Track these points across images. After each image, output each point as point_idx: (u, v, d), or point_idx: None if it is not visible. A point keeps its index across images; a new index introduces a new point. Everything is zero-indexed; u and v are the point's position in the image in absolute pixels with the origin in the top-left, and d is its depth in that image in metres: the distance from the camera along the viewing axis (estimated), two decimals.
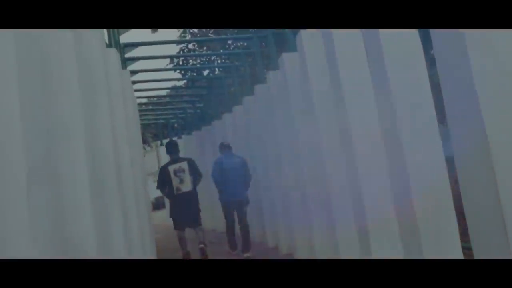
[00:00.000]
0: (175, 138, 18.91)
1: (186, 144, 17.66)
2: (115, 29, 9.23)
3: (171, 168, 7.91)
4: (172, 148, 8.23)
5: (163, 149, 19.00)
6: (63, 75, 4.07)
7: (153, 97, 18.54)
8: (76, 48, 4.34)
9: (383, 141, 5.38)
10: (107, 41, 8.41)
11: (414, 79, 4.58)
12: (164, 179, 8.02)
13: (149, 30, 13.62)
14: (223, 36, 16.20)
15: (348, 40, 5.69)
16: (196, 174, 8.09)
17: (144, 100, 21.25)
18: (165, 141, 20.30)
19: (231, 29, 16.95)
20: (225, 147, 9.30)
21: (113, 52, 6.63)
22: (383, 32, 4.60)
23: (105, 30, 8.19)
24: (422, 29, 4.00)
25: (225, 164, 8.68)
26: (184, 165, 7.94)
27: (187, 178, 7.80)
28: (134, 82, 13.11)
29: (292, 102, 7.77)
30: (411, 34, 4.58)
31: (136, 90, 14.86)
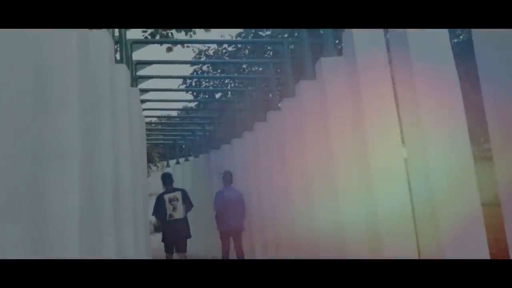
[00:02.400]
0: (182, 159, 18.52)
1: (193, 167, 17.26)
2: (128, 44, 8.96)
3: (166, 197, 8.73)
4: (167, 179, 9.18)
5: (169, 170, 18.54)
6: (62, 89, 3.70)
7: (163, 116, 18.26)
8: (81, 61, 3.99)
9: (407, 174, 4.99)
10: (118, 57, 8.14)
11: (446, 108, 4.19)
12: (159, 206, 8.74)
13: (164, 48, 13.39)
14: (238, 60, 15.98)
15: (373, 69, 5.34)
16: (188, 204, 8.80)
17: (153, 119, 21.00)
18: (171, 162, 19.94)
19: (247, 54, 16.74)
20: (227, 179, 10.19)
21: (123, 68, 6.30)
22: (414, 61, 4.25)
23: (117, 45, 7.93)
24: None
25: (225, 196, 9.46)
26: (178, 194, 8.75)
27: (180, 206, 8.56)
28: (144, 101, 12.84)
29: (307, 131, 7.38)
30: (445, 57, 4.23)
31: (146, 109, 14.60)
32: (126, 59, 8.96)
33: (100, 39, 5.15)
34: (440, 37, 4.30)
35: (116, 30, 8.79)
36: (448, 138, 4.11)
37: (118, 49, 8.20)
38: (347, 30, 5.67)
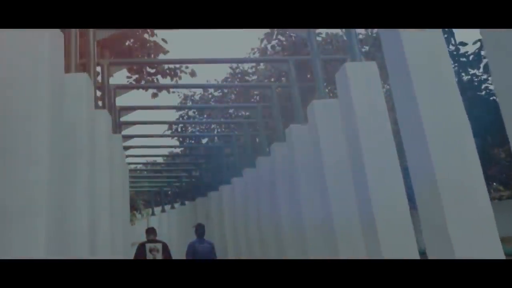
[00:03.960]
0: (168, 207, 17.88)
1: (179, 215, 16.62)
2: (111, 90, 8.64)
3: (148, 246, 8.93)
4: (150, 232, 9.32)
5: (153, 219, 17.81)
6: (30, 138, 3.28)
7: (148, 163, 17.76)
8: (54, 107, 3.60)
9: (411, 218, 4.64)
10: (101, 102, 7.79)
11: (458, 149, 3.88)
12: (140, 255, 8.81)
13: (149, 94, 13.16)
14: (225, 105, 15.75)
15: (370, 110, 5.06)
16: (167, 256, 8.88)
17: (138, 166, 20.45)
18: (156, 209, 19.23)
19: (233, 98, 16.55)
20: (199, 231, 10.21)
21: (104, 114, 5.92)
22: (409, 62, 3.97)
23: (97, 91, 7.60)
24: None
25: (196, 248, 9.63)
26: (159, 246, 8.92)
27: (159, 257, 8.71)
28: (128, 147, 12.40)
29: (299, 176, 7.01)
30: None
31: (130, 156, 14.12)
32: (109, 105, 8.61)
33: (77, 83, 4.79)
34: (435, 38, 4.14)
35: (99, 76, 8.49)
36: (450, 139, 3.86)
37: (104, 94, 7.86)
38: (341, 72, 5.43)
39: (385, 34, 4.43)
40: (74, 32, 5.34)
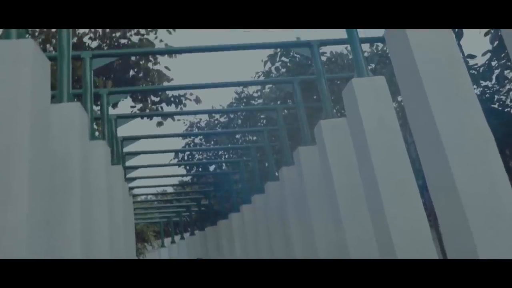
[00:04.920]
0: (178, 237, 17.46)
1: (189, 246, 16.20)
2: (112, 120, 8.41)
3: None
4: None
5: (164, 251, 17.37)
6: (7, 176, 2.99)
7: (156, 193, 17.45)
8: (37, 139, 3.32)
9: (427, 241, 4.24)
10: (101, 133, 7.55)
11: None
12: None
13: (154, 123, 12.95)
14: (231, 130, 15.52)
15: (380, 127, 4.73)
16: None
17: (145, 197, 20.15)
18: (166, 240, 18.82)
19: (240, 123, 16.30)
20: None
21: (101, 145, 5.64)
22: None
23: (98, 121, 7.37)
24: None
25: None
26: None
27: None
28: (133, 179, 12.11)
29: (310, 200, 6.64)
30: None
31: (137, 187, 13.83)
32: (110, 135, 8.36)
33: (69, 113, 4.53)
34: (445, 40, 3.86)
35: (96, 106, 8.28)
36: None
37: (104, 124, 7.62)
38: (348, 89, 5.12)
39: (393, 43, 4.13)
40: (67, 60, 5.12)
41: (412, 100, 3.95)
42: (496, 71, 9.93)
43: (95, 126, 10.37)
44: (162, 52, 7.45)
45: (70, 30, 5.32)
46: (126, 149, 10.19)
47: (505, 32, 2.94)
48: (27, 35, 3.65)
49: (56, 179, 4.13)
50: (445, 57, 3.83)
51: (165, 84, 13.43)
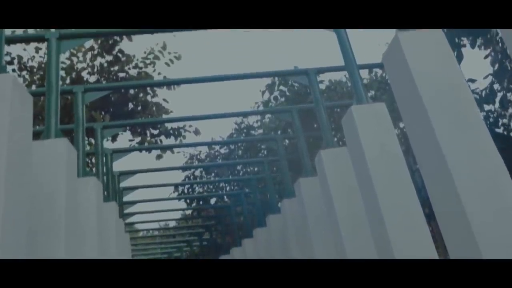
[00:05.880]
0: None
1: None
2: (107, 154, 8.21)
3: None
4: None
5: None
6: None
7: (157, 229, 17.06)
8: (16, 178, 3.10)
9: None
10: (97, 167, 7.33)
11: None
12: None
13: (153, 156, 12.75)
14: (232, 161, 15.28)
15: (382, 154, 4.50)
16: None
17: (150, 232, 19.76)
18: None
19: (240, 154, 16.08)
20: None
21: (91, 181, 5.40)
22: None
23: (91, 156, 7.17)
24: None
25: None
26: None
27: None
28: (131, 214, 11.81)
29: (312, 233, 6.33)
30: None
31: (135, 222, 13.51)
32: (106, 170, 8.14)
33: (56, 150, 4.32)
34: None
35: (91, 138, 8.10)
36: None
37: (98, 159, 7.41)
38: (347, 116, 4.91)
39: (392, 68, 3.95)
40: (55, 94, 4.96)
41: (415, 126, 3.73)
42: (499, 94, 9.76)
43: (93, 161, 10.14)
44: (156, 84, 7.32)
45: (59, 64, 5.18)
46: (124, 184, 9.95)
47: (505, 32, 2.85)
48: (8, 71, 3.50)
49: (40, 220, 3.89)
50: (447, 79, 3.63)
51: (164, 116, 13.33)
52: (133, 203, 10.89)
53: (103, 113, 13.88)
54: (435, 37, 3.88)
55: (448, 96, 3.57)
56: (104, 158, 8.12)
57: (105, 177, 7.96)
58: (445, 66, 3.70)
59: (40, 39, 5.42)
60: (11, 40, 5.78)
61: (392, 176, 4.45)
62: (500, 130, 10.59)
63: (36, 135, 6.65)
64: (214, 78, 7.19)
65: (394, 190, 4.41)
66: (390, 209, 4.31)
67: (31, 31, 10.23)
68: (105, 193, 7.74)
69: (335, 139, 9.13)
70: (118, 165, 8.75)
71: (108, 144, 14.74)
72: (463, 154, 3.39)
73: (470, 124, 3.48)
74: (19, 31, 10.29)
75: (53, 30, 5.14)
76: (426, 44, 3.83)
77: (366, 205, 4.71)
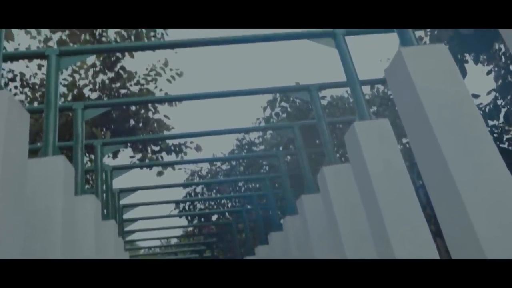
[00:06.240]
0: None
1: None
2: (107, 171, 8.12)
3: None
4: None
5: None
6: None
7: (157, 246, 16.87)
8: (11, 196, 3.01)
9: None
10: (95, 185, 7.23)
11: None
12: None
13: (154, 172, 12.65)
14: (233, 178, 15.16)
15: (386, 171, 4.40)
16: None
17: (145, 250, 19.55)
18: None
19: (242, 170, 15.97)
20: None
21: (89, 199, 5.31)
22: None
23: (90, 173, 7.08)
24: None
25: None
26: None
27: None
28: (132, 232, 11.67)
29: (315, 251, 6.20)
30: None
31: (136, 240, 13.35)
32: (105, 187, 8.05)
33: (52, 167, 4.24)
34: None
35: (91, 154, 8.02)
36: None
37: (99, 177, 7.32)
38: (350, 133, 4.83)
39: (395, 83, 3.88)
40: (53, 112, 4.90)
41: (420, 141, 3.64)
42: (503, 110, 9.69)
43: (93, 178, 10.05)
44: (157, 100, 7.27)
45: (58, 80, 5.13)
46: (124, 201, 9.84)
47: (505, 32, 2.81)
48: (9, 88, 3.45)
49: (36, 238, 3.79)
50: (452, 94, 3.56)
51: (165, 133, 13.28)
52: (133, 220, 10.76)
53: (104, 129, 13.85)
54: (439, 51, 3.82)
55: (453, 111, 3.49)
56: (104, 175, 8.04)
57: (104, 195, 7.86)
58: (449, 80, 3.63)
59: (40, 55, 5.39)
60: (11, 57, 5.76)
61: (397, 192, 4.35)
62: (505, 146, 10.48)
63: (36, 152, 6.57)
64: (215, 94, 7.14)
65: (399, 206, 4.31)
66: (394, 226, 4.20)
67: (32, 43, 10.26)
68: (105, 211, 7.64)
69: (337, 155, 9.03)
70: (119, 182, 8.67)
71: (109, 161, 14.68)
72: (469, 170, 3.30)
73: (476, 138, 3.39)
74: (21, 48, 10.31)
75: (53, 46, 5.12)
76: (429, 59, 3.77)
77: (370, 221, 4.60)
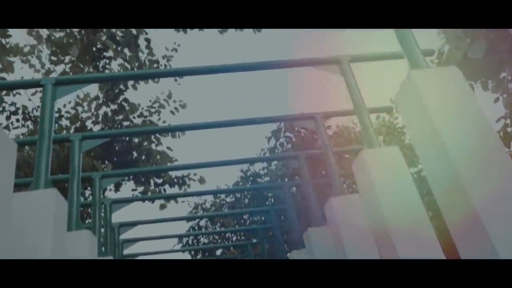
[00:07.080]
0: None
1: None
2: (107, 206, 7.85)
3: None
4: None
5: None
6: None
7: None
8: None
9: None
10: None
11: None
12: None
13: (157, 205, 12.36)
14: (238, 211, 14.80)
15: (398, 199, 4.12)
16: None
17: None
18: None
19: (247, 203, 15.61)
20: None
21: (84, 234, 5.03)
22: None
23: (87, 207, 6.82)
24: None
25: None
26: None
27: None
28: None
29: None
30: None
31: None
32: (104, 222, 7.76)
33: (42, 201, 3.99)
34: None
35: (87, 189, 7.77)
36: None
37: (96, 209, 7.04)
38: (358, 160, 4.58)
39: (406, 107, 3.66)
40: (47, 143, 4.69)
41: (435, 168, 3.38)
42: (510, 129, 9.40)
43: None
44: (157, 131, 7.07)
45: (53, 110, 4.95)
46: (124, 236, 9.51)
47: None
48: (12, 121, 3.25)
49: None
50: (466, 116, 3.32)
51: (168, 165, 13.05)
52: (134, 256, 10.39)
53: (106, 162, 13.65)
54: (451, 73, 3.61)
55: (469, 134, 3.24)
56: (103, 209, 7.76)
57: (103, 229, 7.57)
58: (464, 102, 3.40)
59: (36, 85, 5.24)
60: (8, 87, 5.61)
61: (410, 221, 4.06)
62: None
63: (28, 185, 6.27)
64: (218, 124, 6.95)
65: (412, 235, 4.01)
66: (408, 255, 3.89)
67: (27, 75, 10.19)
68: (104, 246, 7.33)
69: (345, 185, 8.74)
70: (120, 216, 8.37)
71: (111, 194, 14.40)
72: (490, 196, 3.02)
73: (496, 162, 3.13)
74: (17, 78, 10.25)
75: (50, 76, 4.99)
76: (441, 81, 3.55)
77: (382, 253, 4.28)
